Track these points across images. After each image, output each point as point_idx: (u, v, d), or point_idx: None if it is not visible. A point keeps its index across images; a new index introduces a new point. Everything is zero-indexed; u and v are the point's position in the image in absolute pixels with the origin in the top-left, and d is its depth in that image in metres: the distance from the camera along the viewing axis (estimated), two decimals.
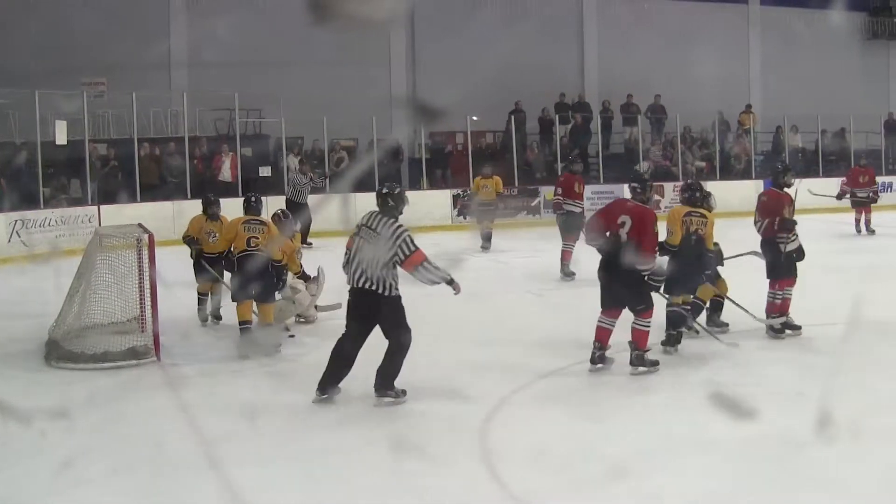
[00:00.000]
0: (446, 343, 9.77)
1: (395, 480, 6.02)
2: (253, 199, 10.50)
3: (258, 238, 10.00)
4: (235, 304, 9.97)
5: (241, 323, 9.88)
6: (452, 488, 5.89)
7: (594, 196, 24.76)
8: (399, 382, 7.72)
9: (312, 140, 23.60)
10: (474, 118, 23.81)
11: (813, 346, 9.40)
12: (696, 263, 9.27)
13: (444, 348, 9.63)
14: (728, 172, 26.50)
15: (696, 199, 9.49)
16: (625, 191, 24.06)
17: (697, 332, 9.65)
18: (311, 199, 19.44)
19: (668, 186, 25.16)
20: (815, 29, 28.72)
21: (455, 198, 23.05)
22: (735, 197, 24.61)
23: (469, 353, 9.28)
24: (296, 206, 18.01)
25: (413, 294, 12.46)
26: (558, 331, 10.48)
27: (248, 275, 9.64)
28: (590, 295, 12.32)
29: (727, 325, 10.01)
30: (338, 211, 18.95)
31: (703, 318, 9.86)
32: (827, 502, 5.63)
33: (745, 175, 26.45)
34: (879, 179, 26.20)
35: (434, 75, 25.77)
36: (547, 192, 24.30)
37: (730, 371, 8.64)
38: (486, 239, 17.92)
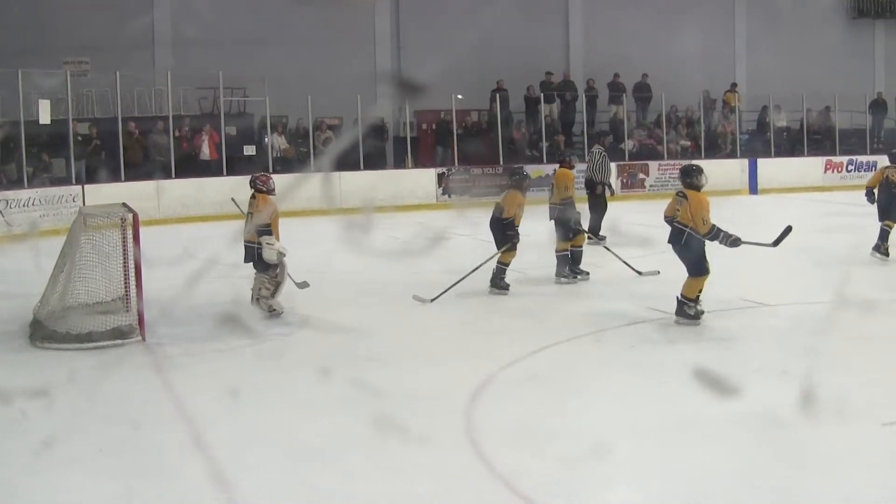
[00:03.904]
0: (429, 321, 9.77)
1: (379, 460, 6.01)
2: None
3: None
4: None
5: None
6: (437, 467, 5.88)
7: (579, 175, 24.75)
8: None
9: (297, 118, 23.52)
10: (459, 97, 23.74)
11: (797, 324, 9.43)
12: None
13: (427, 326, 9.64)
14: (714, 151, 26.51)
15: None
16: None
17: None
18: (296, 178, 19.26)
19: (654, 165, 25.22)
20: (800, 7, 28.67)
21: (440, 176, 23.00)
22: (721, 176, 24.79)
23: (453, 332, 9.28)
24: (596, 188, 15.79)
25: (393, 273, 12.49)
26: (542, 309, 10.50)
27: None
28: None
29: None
30: (322, 189, 18.76)
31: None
32: (810, 480, 5.65)
33: (730, 154, 26.51)
34: (864, 159, 26.36)
35: (419, 53, 25.65)
36: (533, 170, 24.29)
37: (714, 349, 8.68)
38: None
